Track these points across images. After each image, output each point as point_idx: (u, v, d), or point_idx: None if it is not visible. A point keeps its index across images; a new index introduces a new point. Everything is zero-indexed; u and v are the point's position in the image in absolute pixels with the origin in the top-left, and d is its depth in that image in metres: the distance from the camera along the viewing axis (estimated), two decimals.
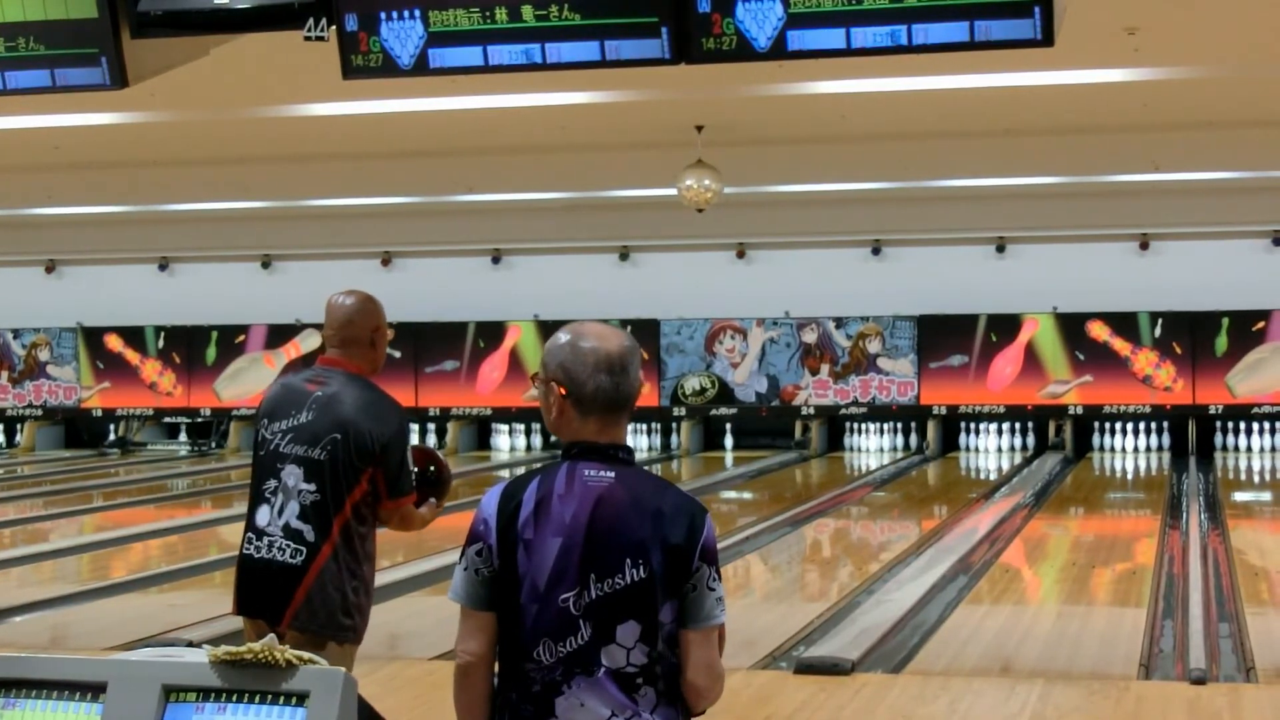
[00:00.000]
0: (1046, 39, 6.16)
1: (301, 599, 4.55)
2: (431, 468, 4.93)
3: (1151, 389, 18.34)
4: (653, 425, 19.88)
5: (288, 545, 4.56)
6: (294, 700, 2.74)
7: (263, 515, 4.61)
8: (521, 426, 20.26)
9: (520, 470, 17.07)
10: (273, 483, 4.61)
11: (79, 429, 21.72)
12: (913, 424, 19.33)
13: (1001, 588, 9.98)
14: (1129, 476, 17.53)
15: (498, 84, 9.00)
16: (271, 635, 2.86)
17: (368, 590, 4.71)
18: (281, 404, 4.70)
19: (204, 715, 2.77)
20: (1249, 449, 18.32)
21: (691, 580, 3.05)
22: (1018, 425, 19.12)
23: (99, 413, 21.23)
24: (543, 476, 3.12)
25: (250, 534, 4.65)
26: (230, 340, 20.74)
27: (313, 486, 4.56)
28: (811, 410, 19.26)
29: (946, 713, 6.39)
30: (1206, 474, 16.55)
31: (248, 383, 20.66)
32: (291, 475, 4.59)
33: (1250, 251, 18.20)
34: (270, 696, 2.75)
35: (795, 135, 14.27)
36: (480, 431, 20.44)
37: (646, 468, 3.28)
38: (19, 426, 21.54)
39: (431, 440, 20.42)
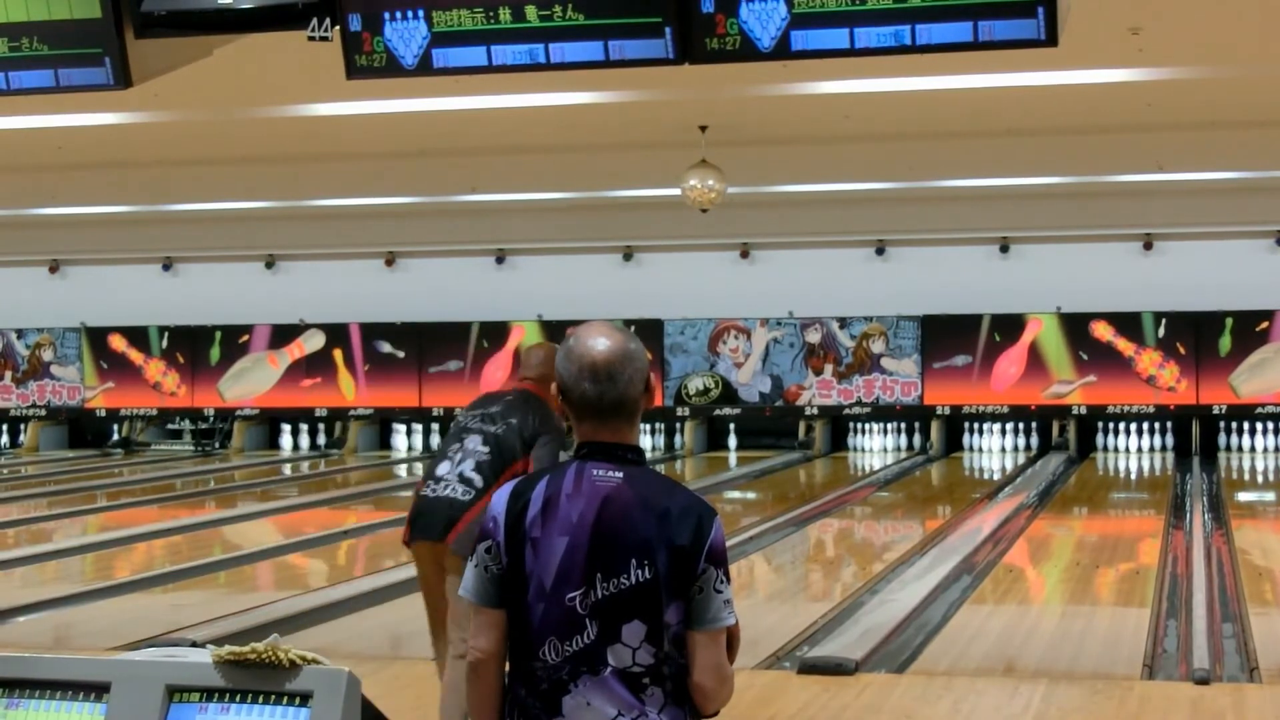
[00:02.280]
0: (1050, 39, 6.16)
1: (464, 525, 5.54)
2: None
3: (1155, 389, 18.33)
4: (656, 425, 19.87)
5: (460, 487, 5.67)
6: (297, 700, 2.74)
7: (443, 468, 5.74)
8: None
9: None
10: (457, 445, 5.76)
11: (83, 429, 21.73)
12: (916, 424, 19.32)
13: (1005, 588, 9.98)
14: (1133, 477, 17.52)
15: (501, 84, 8.99)
16: (275, 635, 2.86)
17: None
18: (483, 399, 5.97)
19: (207, 715, 2.77)
20: (1252, 449, 18.31)
21: (698, 582, 3.04)
22: (1021, 425, 19.12)
23: (103, 413, 21.25)
24: (552, 476, 3.12)
25: (430, 482, 5.73)
26: (234, 340, 20.75)
27: (486, 450, 5.72)
28: (815, 410, 19.26)
29: (950, 713, 6.39)
30: (1210, 474, 16.54)
31: (251, 383, 20.68)
32: (472, 441, 5.75)
33: (1254, 252, 18.19)
34: (274, 697, 2.75)
35: (799, 135, 14.26)
36: None
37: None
38: (23, 426, 21.55)
39: (435, 440, 20.43)
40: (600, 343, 3.12)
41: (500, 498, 3.14)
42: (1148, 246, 18.39)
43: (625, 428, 3.14)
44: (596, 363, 3.11)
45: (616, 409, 3.12)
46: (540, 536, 3.06)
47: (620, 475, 3.09)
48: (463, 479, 5.67)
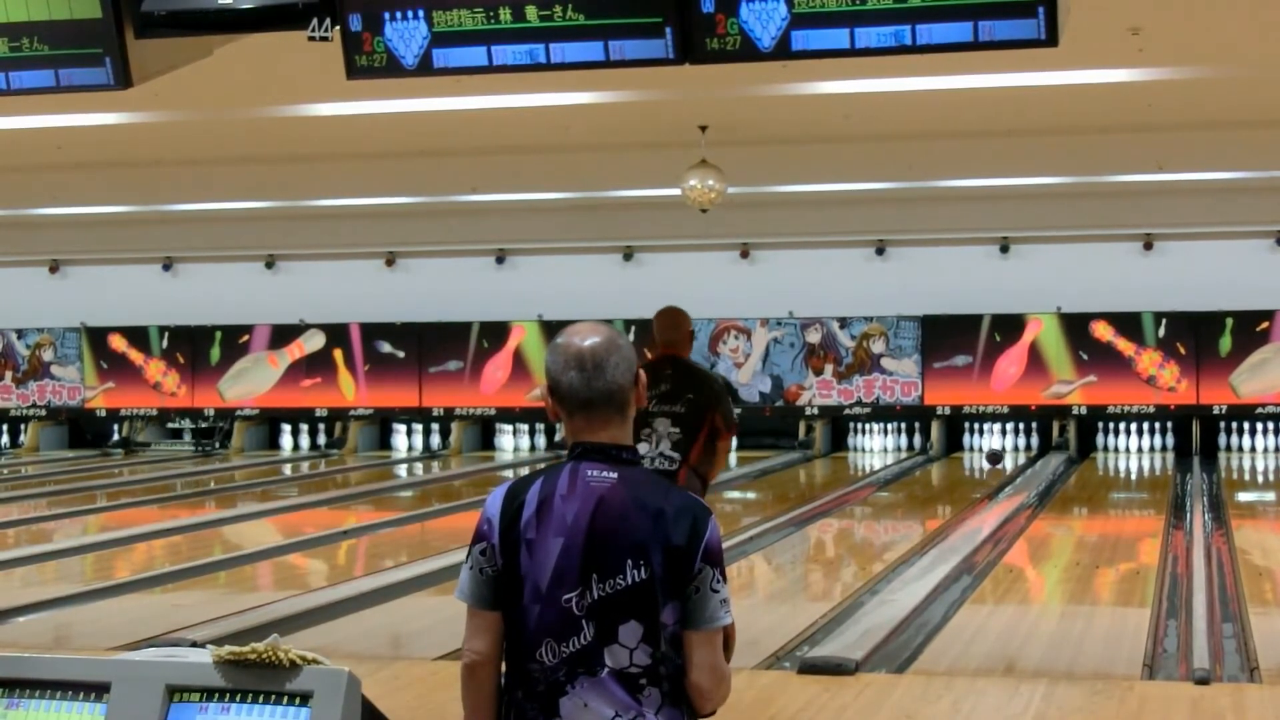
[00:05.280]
0: (1050, 39, 6.14)
1: (682, 481, 6.80)
2: None
3: (1155, 389, 18.33)
4: None
5: (664, 461, 6.91)
6: (297, 700, 2.74)
7: (642, 448, 6.71)
8: (525, 426, 20.26)
9: (524, 470, 17.06)
10: (647, 429, 6.89)
11: (83, 429, 21.73)
12: (916, 424, 19.32)
13: (1005, 588, 9.98)
14: (1133, 477, 17.52)
15: (502, 84, 8.99)
16: (275, 635, 2.86)
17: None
18: (650, 378, 6.45)
19: (207, 715, 2.77)
20: (1253, 449, 18.32)
21: (694, 582, 3.04)
22: (1021, 425, 19.12)
23: (103, 413, 21.24)
24: (546, 477, 3.12)
25: None
26: (234, 340, 20.75)
27: (677, 430, 6.94)
28: (815, 410, 19.26)
29: (950, 713, 6.39)
30: (1210, 474, 16.54)
31: (251, 383, 20.67)
32: (661, 424, 6.91)
33: (1254, 252, 18.19)
34: (274, 696, 2.76)
35: (799, 135, 14.25)
36: (484, 431, 20.45)
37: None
38: (23, 427, 21.55)
39: (435, 440, 20.44)
40: (585, 334, 3.15)
41: (495, 499, 3.14)
42: (1148, 246, 18.39)
43: (617, 424, 3.14)
44: (583, 351, 3.12)
45: (606, 399, 3.12)
46: (535, 538, 3.06)
47: (615, 475, 3.09)
48: (664, 457, 6.93)
